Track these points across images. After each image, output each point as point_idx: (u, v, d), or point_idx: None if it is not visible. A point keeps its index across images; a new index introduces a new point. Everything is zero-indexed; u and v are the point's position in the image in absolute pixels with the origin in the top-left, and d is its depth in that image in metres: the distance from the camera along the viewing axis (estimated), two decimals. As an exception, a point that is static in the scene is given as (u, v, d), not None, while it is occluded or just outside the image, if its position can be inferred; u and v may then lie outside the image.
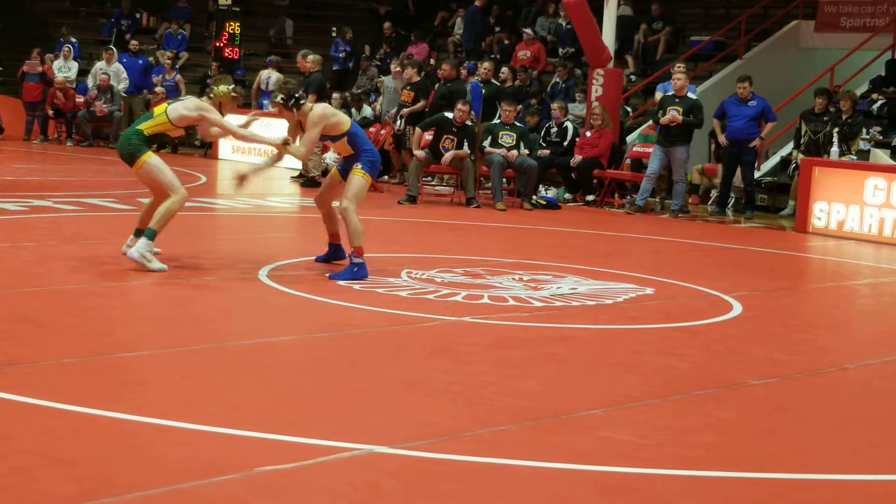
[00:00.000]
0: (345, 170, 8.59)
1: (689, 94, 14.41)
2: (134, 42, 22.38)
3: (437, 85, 16.87)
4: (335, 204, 8.64)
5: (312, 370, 5.61)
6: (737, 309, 7.92)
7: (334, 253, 8.85)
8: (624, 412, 5.10)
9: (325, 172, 17.19)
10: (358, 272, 8.18)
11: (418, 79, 17.20)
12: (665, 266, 9.95)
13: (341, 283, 7.99)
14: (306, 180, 16.16)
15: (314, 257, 8.87)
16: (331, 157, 17.57)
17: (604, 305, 7.79)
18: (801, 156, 14.54)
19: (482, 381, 5.49)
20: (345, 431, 4.48)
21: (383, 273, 8.43)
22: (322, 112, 8.28)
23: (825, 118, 14.60)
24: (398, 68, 17.60)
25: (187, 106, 8.18)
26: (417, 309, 7.17)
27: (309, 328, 6.61)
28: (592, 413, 5.04)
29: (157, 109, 8.29)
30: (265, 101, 18.29)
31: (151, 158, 8.10)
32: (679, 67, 14.93)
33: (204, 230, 10.80)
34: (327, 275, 8.28)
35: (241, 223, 12.16)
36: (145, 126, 8.18)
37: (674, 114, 14.07)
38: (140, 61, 21.75)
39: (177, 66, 22.22)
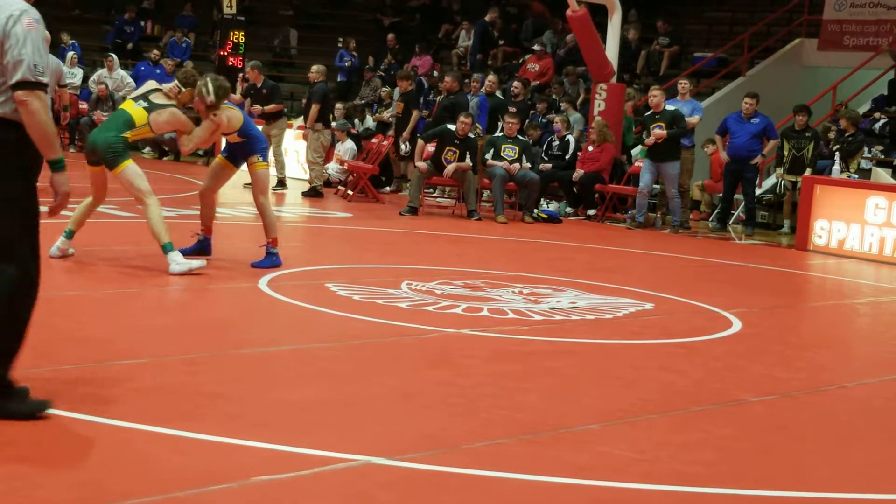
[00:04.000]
0: (233, 157, 9.01)
1: (668, 107, 14.43)
2: (155, 51, 22.27)
3: (439, 97, 16.95)
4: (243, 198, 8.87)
5: (310, 380, 5.60)
6: (736, 326, 7.91)
7: (204, 246, 9.04)
8: (622, 427, 5.09)
9: (328, 182, 17.26)
10: (275, 261, 8.87)
11: (410, 89, 17.29)
12: (665, 282, 9.94)
13: (258, 267, 8.69)
14: (309, 190, 16.18)
15: (183, 249, 8.74)
16: (333, 167, 17.63)
17: (603, 320, 7.79)
18: (784, 174, 14.67)
19: (480, 394, 5.48)
20: (342, 442, 4.48)
21: (383, 284, 8.43)
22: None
23: (807, 135, 14.66)
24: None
25: (167, 119, 8.49)
26: (417, 321, 7.16)
27: (308, 338, 6.60)
28: (590, 427, 5.03)
29: (137, 114, 8.35)
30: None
31: (132, 166, 8.29)
32: (682, 84, 14.97)
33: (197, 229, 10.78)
34: (251, 264, 8.74)
35: (241, 232, 12.16)
36: (130, 134, 8.36)
37: (657, 131, 14.09)
38: (158, 70, 21.70)
39: (172, 75, 22.27)
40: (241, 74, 20.80)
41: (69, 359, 5.34)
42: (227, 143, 9.07)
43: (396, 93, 18.28)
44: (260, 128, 16.68)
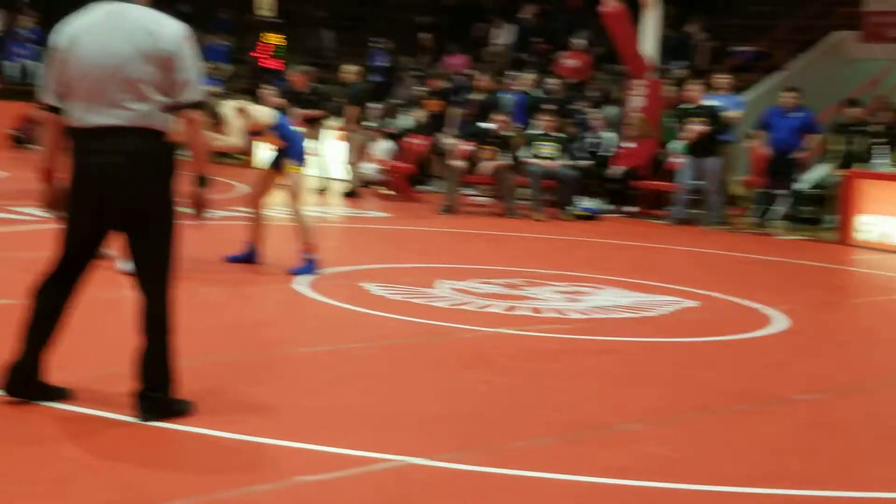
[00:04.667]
0: (275, 163, 8.95)
1: (708, 102, 14.28)
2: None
3: (474, 96, 16.98)
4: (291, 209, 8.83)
5: (348, 380, 5.58)
6: (780, 322, 7.80)
7: (251, 254, 8.93)
8: (665, 427, 5.03)
9: (365, 182, 17.26)
10: (315, 267, 8.64)
11: (444, 87, 17.35)
12: (707, 278, 9.84)
13: (299, 274, 8.48)
14: (347, 190, 16.18)
15: (232, 256, 8.89)
16: (370, 167, 17.62)
17: (644, 318, 7.71)
18: (836, 169, 14.39)
19: (519, 394, 5.43)
20: (381, 442, 4.45)
21: (421, 283, 8.39)
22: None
23: (861, 128, 14.40)
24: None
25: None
26: (455, 320, 7.12)
27: (345, 338, 6.58)
28: (632, 427, 4.97)
29: None
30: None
31: None
32: (720, 78, 14.82)
33: (240, 239, 10.79)
34: (289, 270, 8.56)
35: (280, 232, 12.17)
36: None
37: (697, 127, 13.94)
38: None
39: (220, 79, 22.25)
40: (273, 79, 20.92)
41: (111, 361, 5.34)
42: (275, 151, 8.98)
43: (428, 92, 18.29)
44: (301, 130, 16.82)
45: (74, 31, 4.51)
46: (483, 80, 17.14)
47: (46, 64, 4.63)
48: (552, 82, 17.70)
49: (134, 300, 4.63)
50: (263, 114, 8.71)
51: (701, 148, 14.04)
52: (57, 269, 4.59)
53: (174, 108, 4.53)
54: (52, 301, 4.61)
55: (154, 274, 4.57)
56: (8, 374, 4.62)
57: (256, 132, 8.80)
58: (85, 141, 4.49)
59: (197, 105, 4.57)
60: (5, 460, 4.04)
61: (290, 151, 8.85)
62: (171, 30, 4.50)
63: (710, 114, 14.04)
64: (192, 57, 4.55)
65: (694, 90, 14.32)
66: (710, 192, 14.25)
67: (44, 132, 4.68)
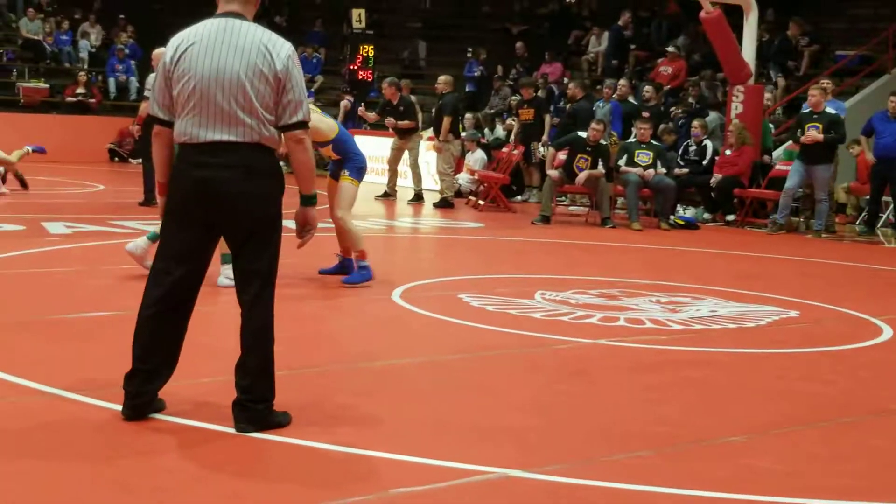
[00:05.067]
0: (334, 174, 8.84)
1: (829, 109, 13.98)
2: None
3: (567, 104, 16.98)
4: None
5: (445, 392, 5.56)
6: (887, 333, 7.60)
7: (345, 266, 8.87)
8: (767, 439, 4.91)
9: (458, 193, 17.29)
10: (366, 274, 8.50)
11: (534, 96, 17.31)
12: (810, 288, 9.64)
13: (349, 283, 8.47)
14: (440, 200, 16.23)
15: (324, 269, 8.91)
16: (464, 177, 17.64)
17: (745, 329, 7.57)
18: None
19: (618, 406, 5.36)
20: (478, 454, 4.41)
21: (517, 294, 8.35)
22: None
23: None
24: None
25: None
26: (552, 331, 7.07)
27: (441, 349, 6.57)
28: (734, 440, 4.86)
29: None
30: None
31: None
32: (823, 83, 14.52)
33: (336, 250, 10.87)
34: (341, 280, 8.52)
35: (375, 244, 12.24)
36: None
37: (813, 133, 13.66)
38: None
39: (312, 90, 22.49)
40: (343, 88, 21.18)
41: (206, 372, 5.40)
42: (331, 161, 8.97)
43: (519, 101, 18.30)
44: (392, 141, 16.95)
45: (186, 45, 4.52)
46: (574, 88, 17.06)
47: (157, 78, 4.66)
48: (648, 90, 17.54)
49: (233, 312, 4.66)
50: (323, 126, 8.59)
51: (813, 154, 13.75)
52: (168, 286, 4.59)
53: (281, 128, 4.55)
54: (167, 318, 4.61)
55: (258, 286, 4.58)
56: (127, 392, 4.63)
57: (316, 143, 8.71)
58: (195, 156, 4.51)
59: (302, 125, 4.57)
60: (108, 471, 4.09)
61: (348, 165, 8.69)
62: (283, 50, 4.52)
63: (829, 121, 13.74)
64: (300, 77, 4.57)
65: (816, 95, 14.00)
66: (820, 200, 13.96)
67: (156, 146, 4.72)
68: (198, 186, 4.50)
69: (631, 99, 17.70)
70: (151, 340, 4.61)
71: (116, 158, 22.77)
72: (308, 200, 4.74)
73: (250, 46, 4.48)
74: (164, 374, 4.68)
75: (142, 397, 4.63)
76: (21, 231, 10.93)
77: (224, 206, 4.50)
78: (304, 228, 4.76)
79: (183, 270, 4.59)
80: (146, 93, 11.71)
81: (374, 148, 20.08)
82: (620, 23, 21.63)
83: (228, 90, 4.45)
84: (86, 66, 24.77)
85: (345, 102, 21.70)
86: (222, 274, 7.96)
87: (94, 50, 25.37)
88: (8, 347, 5.97)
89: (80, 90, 23.55)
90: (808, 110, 14.19)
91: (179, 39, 4.57)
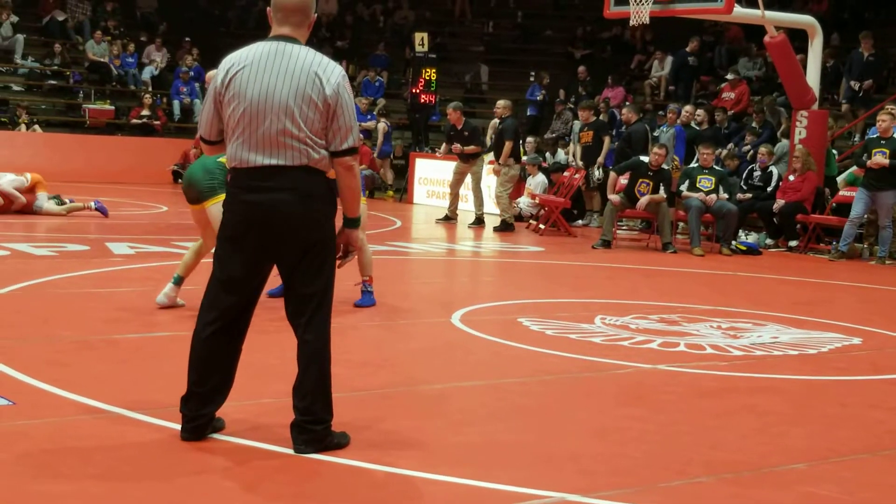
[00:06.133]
0: None
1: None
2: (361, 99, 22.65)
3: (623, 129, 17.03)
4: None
5: (504, 415, 5.55)
6: (952, 361, 7.46)
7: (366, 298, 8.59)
8: (829, 467, 4.85)
9: (519, 217, 17.29)
10: (371, 300, 8.44)
11: (595, 119, 17.36)
12: (873, 315, 9.50)
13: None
14: (500, 224, 16.24)
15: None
16: (524, 201, 17.64)
17: (807, 355, 7.48)
18: None
19: (677, 431, 5.32)
20: (535, 478, 4.40)
21: (577, 319, 8.32)
22: None
23: None
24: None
25: None
26: (611, 356, 7.03)
27: (500, 373, 6.56)
28: (795, 467, 4.81)
29: None
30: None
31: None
32: (888, 109, 14.33)
33: (398, 273, 10.93)
34: (354, 303, 8.38)
35: (435, 267, 12.27)
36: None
37: (879, 158, 13.47)
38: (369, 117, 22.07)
39: (373, 113, 22.61)
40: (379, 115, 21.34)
41: (268, 393, 5.44)
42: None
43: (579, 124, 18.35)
44: (455, 165, 17.04)
45: (237, 69, 4.53)
46: (627, 112, 17.09)
47: (206, 101, 4.67)
48: (700, 114, 17.54)
49: (290, 333, 4.69)
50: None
51: (879, 180, 13.55)
52: (222, 310, 4.62)
53: (331, 154, 4.55)
54: (221, 341, 4.64)
55: (312, 308, 4.59)
56: (184, 416, 4.68)
57: None
58: (246, 180, 4.52)
59: (352, 151, 4.57)
60: (166, 488, 4.14)
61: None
62: (333, 75, 4.50)
63: (895, 147, 13.53)
64: (350, 102, 4.56)
65: (885, 121, 13.79)
66: (884, 227, 13.75)
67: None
68: (249, 211, 4.52)
69: (693, 123, 17.65)
70: (206, 363, 4.65)
71: (180, 180, 23.05)
72: (352, 223, 4.74)
73: (300, 71, 4.47)
74: (220, 396, 4.71)
75: (199, 420, 4.66)
76: (85, 251, 11.10)
77: (276, 230, 4.51)
78: (346, 249, 4.77)
79: (236, 294, 4.62)
80: None
81: (434, 171, 20.20)
82: (688, 49, 21.51)
83: (276, 115, 4.45)
84: (150, 89, 25.16)
85: (382, 125, 21.82)
86: (161, 292, 7.84)
87: (157, 72, 25.74)
88: (70, 366, 6.07)
89: (145, 112, 23.93)
90: (875, 135, 14.00)
91: (230, 62, 4.57)
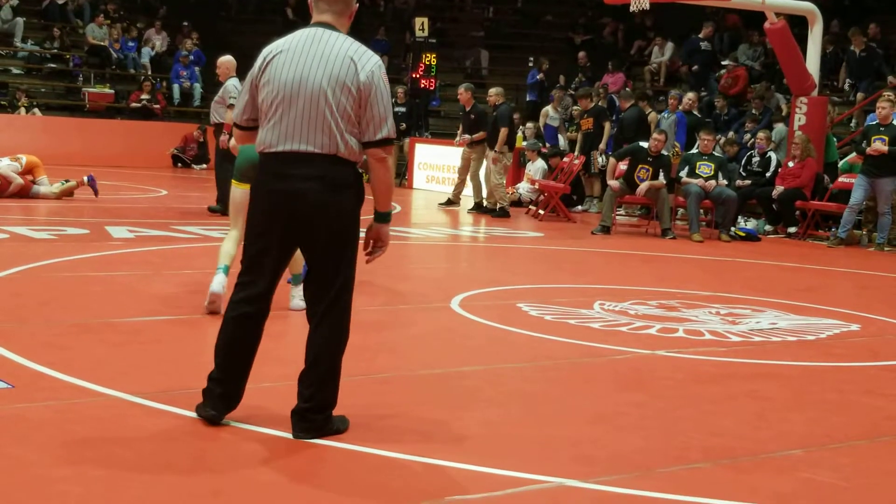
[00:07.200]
0: None
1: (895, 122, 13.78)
2: None
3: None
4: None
5: (503, 401, 5.56)
6: (951, 348, 7.48)
7: None
8: (826, 453, 4.86)
9: (518, 202, 17.30)
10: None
11: (592, 105, 17.37)
12: (872, 301, 9.51)
13: None
14: (498, 211, 16.23)
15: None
16: (524, 186, 17.64)
17: (805, 342, 7.49)
18: None
19: (676, 417, 5.33)
20: (534, 463, 4.42)
21: (576, 304, 8.33)
22: None
23: None
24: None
25: None
26: (610, 341, 7.05)
27: (499, 358, 6.57)
28: (792, 453, 4.82)
29: None
30: None
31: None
32: (886, 95, 14.32)
33: (397, 259, 10.93)
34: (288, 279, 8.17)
35: (434, 252, 12.27)
36: None
37: (878, 145, 13.47)
38: None
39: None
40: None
41: (269, 376, 5.45)
42: None
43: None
44: (463, 150, 17.02)
45: (274, 54, 4.51)
46: (621, 99, 17.09)
47: (244, 85, 4.66)
48: (711, 101, 17.50)
49: (299, 324, 4.69)
50: None
51: (878, 166, 13.56)
52: (246, 292, 4.61)
53: (364, 144, 4.50)
54: (244, 324, 4.64)
55: (332, 297, 4.57)
56: (209, 401, 4.69)
57: None
58: (274, 166, 4.50)
59: (386, 142, 4.51)
60: (165, 472, 4.14)
61: None
62: (369, 62, 4.46)
63: (894, 134, 13.51)
64: (386, 92, 4.49)
65: (885, 108, 13.78)
66: (882, 213, 13.76)
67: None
68: (276, 198, 4.50)
69: (693, 110, 17.64)
70: (230, 345, 4.65)
71: (179, 164, 23.05)
72: (383, 217, 4.68)
73: (335, 57, 4.44)
74: (239, 393, 4.71)
75: (219, 419, 4.68)
76: (85, 235, 11.10)
77: (301, 218, 4.48)
78: (376, 244, 4.74)
79: (256, 278, 4.60)
80: (230, 101, 11.56)
81: (434, 156, 20.18)
82: (701, 35, 21.40)
83: (309, 99, 4.42)
84: (149, 73, 25.12)
85: None
86: (295, 296, 7.53)
87: (154, 54, 25.66)
88: (69, 349, 6.07)
89: (145, 96, 23.89)
90: (875, 122, 14.00)
91: (269, 49, 4.56)
